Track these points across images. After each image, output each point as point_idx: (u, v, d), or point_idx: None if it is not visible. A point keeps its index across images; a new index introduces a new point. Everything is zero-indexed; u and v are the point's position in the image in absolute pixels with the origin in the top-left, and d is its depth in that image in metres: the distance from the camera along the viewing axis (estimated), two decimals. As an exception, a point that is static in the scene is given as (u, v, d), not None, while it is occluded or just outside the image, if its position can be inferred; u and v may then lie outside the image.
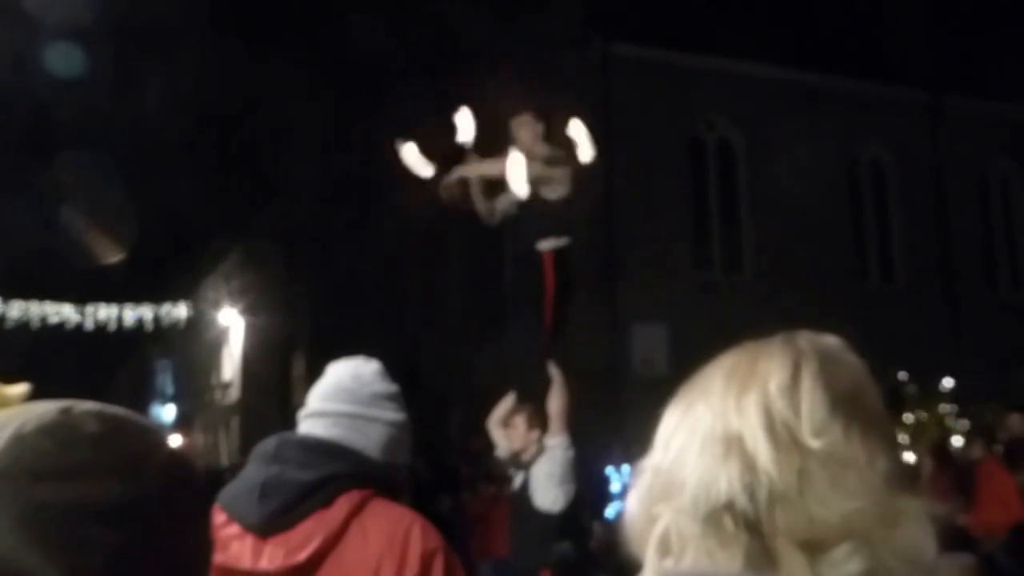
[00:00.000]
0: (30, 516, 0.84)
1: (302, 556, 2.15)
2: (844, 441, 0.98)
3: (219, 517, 2.27)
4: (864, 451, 0.98)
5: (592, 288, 17.11)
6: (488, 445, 6.52)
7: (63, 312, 33.64)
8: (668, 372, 18.55)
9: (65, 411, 0.93)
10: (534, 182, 6.32)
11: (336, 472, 2.23)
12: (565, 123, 6.63)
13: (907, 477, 1.02)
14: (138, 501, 0.89)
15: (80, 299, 34.44)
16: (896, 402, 14.67)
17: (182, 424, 43.44)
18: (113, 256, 28.94)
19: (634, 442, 11.79)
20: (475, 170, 6.65)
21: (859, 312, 19.43)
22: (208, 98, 25.52)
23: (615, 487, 13.65)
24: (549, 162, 6.48)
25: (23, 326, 28.46)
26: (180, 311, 37.10)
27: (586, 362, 16.00)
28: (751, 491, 0.97)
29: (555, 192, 6.41)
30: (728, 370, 1.08)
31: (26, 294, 28.29)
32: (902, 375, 14.59)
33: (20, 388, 2.02)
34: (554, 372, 6.13)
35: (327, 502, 2.19)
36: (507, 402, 6.28)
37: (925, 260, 21.35)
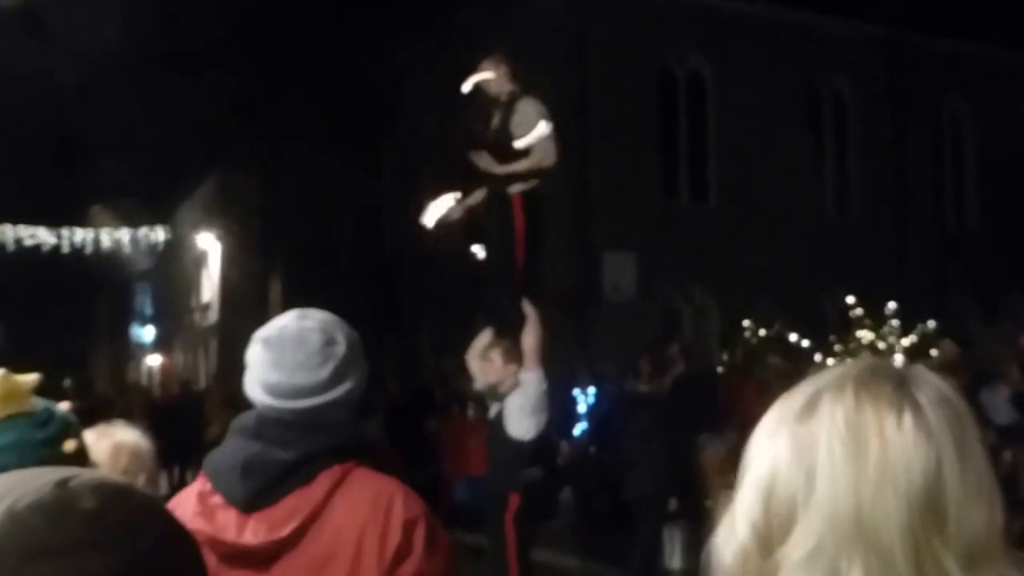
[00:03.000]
0: None
1: (285, 531, 2.18)
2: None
3: (206, 484, 2.30)
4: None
5: (563, 216, 17.62)
6: (460, 367, 6.86)
7: (38, 235, 33.69)
8: (636, 297, 19.30)
9: (61, 484, 0.91)
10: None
11: (316, 449, 2.23)
12: (533, 65, 6.80)
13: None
14: (132, 574, 0.88)
15: (55, 222, 34.48)
16: (844, 322, 15.56)
17: (161, 345, 43.57)
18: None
19: (602, 363, 12.61)
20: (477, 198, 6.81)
21: (815, 240, 20.27)
22: (191, 22, 25.46)
23: (581, 408, 14.17)
24: (515, 100, 6.57)
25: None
26: (158, 234, 37.30)
27: (557, 287, 16.67)
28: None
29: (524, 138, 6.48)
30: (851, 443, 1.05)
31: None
32: (850, 298, 15.37)
33: (31, 377, 2.51)
34: (528, 309, 6.35)
35: (308, 480, 2.21)
36: (484, 337, 6.53)
37: (879, 192, 22.02)
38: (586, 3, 19.34)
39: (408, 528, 2.20)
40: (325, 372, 2.28)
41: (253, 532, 2.20)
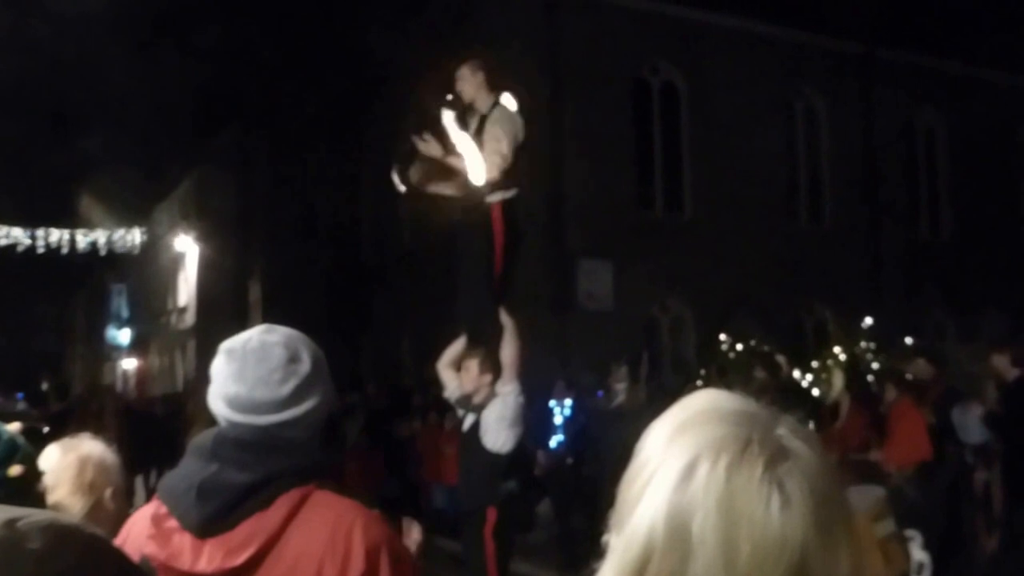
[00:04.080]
0: None
1: (240, 559, 2.10)
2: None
3: (161, 508, 2.22)
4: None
5: (540, 224, 17.70)
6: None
7: (13, 234, 33.53)
8: (612, 305, 19.39)
9: (9, 525, 0.90)
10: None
11: (275, 472, 2.15)
12: (508, 71, 6.65)
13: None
14: None
15: (31, 222, 34.33)
16: (820, 338, 15.62)
17: (137, 348, 43.38)
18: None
19: (578, 372, 12.61)
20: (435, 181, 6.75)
21: (789, 252, 20.44)
22: (171, 21, 25.46)
23: (558, 418, 14.12)
24: (490, 110, 6.49)
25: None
26: (134, 236, 37.17)
27: (533, 295, 16.73)
28: None
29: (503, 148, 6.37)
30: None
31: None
32: (826, 313, 15.41)
33: (13, 426, 2.55)
34: (506, 320, 6.27)
35: (266, 504, 2.13)
36: (457, 345, 6.50)
37: (852, 203, 22.25)
38: (560, 14, 19.42)
39: (371, 555, 2.13)
40: (286, 389, 2.22)
41: (208, 559, 2.13)
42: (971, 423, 9.08)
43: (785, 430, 1.14)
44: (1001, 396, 8.46)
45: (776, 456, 1.10)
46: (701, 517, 1.07)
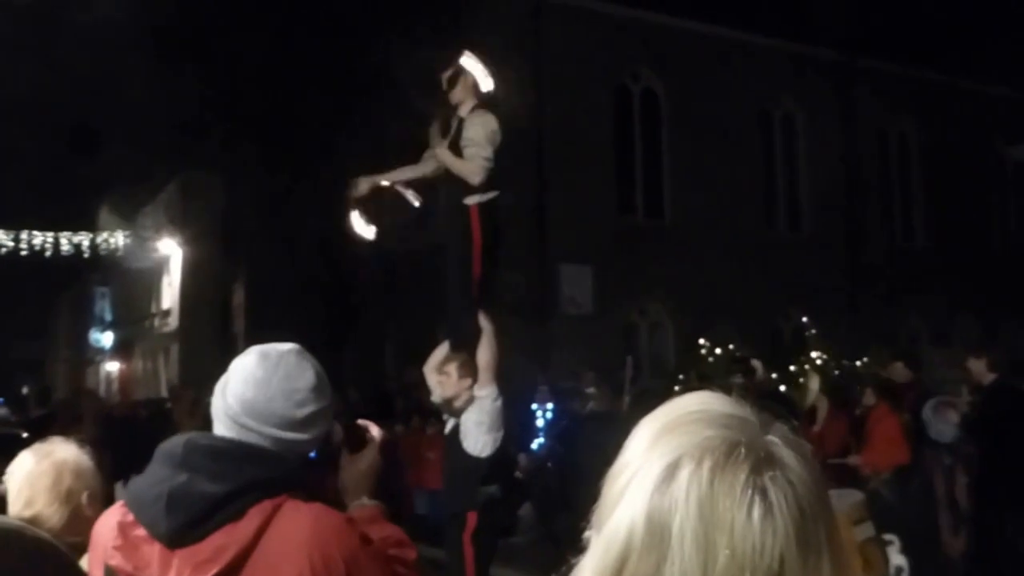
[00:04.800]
0: None
1: (211, 572, 2.04)
2: None
3: (127, 515, 2.15)
4: None
5: (522, 229, 17.79)
6: (421, 378, 6.68)
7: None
8: (593, 310, 19.51)
9: None
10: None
11: (247, 482, 2.09)
12: (496, 74, 6.63)
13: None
14: None
15: (14, 225, 34.19)
16: (798, 343, 15.75)
17: (121, 351, 43.20)
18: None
19: (559, 375, 12.71)
20: (396, 176, 6.84)
21: (768, 258, 20.60)
22: (155, 23, 25.42)
23: (540, 421, 14.20)
24: (472, 112, 6.50)
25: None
26: (117, 239, 37.04)
27: (515, 299, 16.81)
28: None
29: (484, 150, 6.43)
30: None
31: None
32: (804, 319, 15.58)
33: None
34: (484, 323, 6.25)
35: (238, 515, 2.07)
36: (441, 350, 6.49)
37: (829, 210, 22.45)
38: (543, 21, 19.53)
39: (350, 564, 2.09)
40: (303, 412, 2.20)
41: (177, 571, 2.06)
42: (946, 427, 9.15)
43: (776, 437, 1.12)
44: (977, 400, 8.52)
45: (762, 463, 1.08)
46: (680, 519, 1.05)
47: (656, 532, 1.06)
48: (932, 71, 22.76)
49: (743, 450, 1.08)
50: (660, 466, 1.09)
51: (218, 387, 2.24)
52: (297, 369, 2.23)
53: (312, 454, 2.33)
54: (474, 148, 6.38)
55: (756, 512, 1.04)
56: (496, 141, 6.45)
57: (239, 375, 2.22)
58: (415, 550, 2.41)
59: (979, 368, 8.40)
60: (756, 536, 1.04)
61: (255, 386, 2.18)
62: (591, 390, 10.95)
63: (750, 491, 1.05)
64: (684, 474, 1.07)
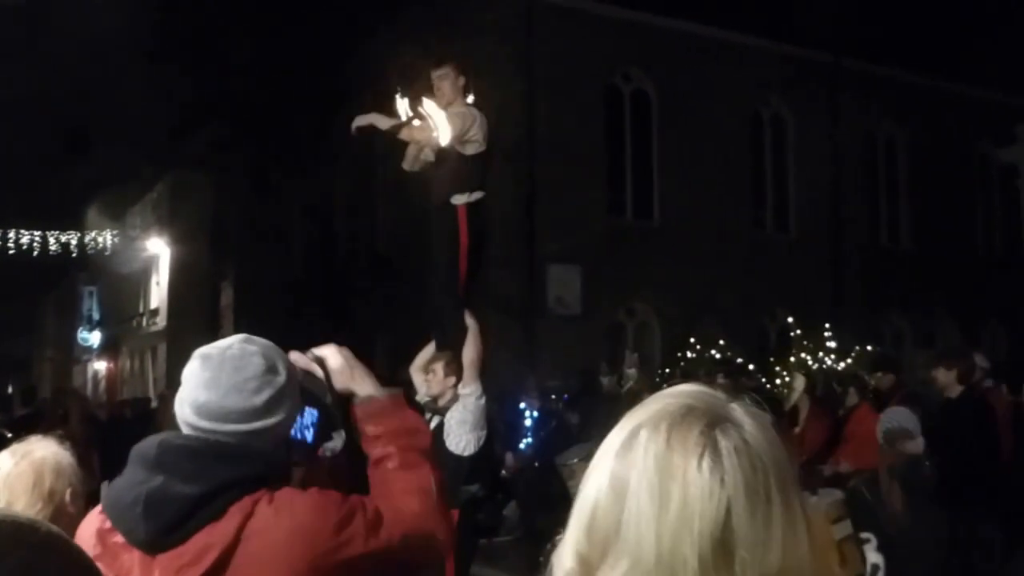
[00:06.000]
0: None
1: (195, 574, 2.02)
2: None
3: (105, 522, 2.12)
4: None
5: (511, 228, 17.79)
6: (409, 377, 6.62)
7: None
8: (581, 310, 19.55)
9: None
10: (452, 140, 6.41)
11: (224, 481, 2.06)
12: (485, 75, 6.77)
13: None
14: None
15: (1, 223, 34.07)
16: (784, 343, 15.79)
17: (108, 350, 43.11)
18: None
19: (547, 375, 12.77)
20: (386, 123, 6.56)
21: (755, 259, 20.67)
22: (144, 25, 25.39)
23: (528, 421, 14.19)
24: (468, 117, 6.46)
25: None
26: (105, 238, 36.96)
27: (504, 299, 16.83)
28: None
29: (472, 148, 6.44)
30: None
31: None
32: (789, 319, 15.63)
33: None
34: (470, 322, 6.23)
35: (218, 515, 2.04)
36: (428, 349, 6.52)
37: (816, 211, 22.53)
38: (535, 21, 19.53)
39: (333, 549, 2.07)
40: (260, 399, 2.15)
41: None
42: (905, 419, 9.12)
43: (737, 407, 1.18)
44: (942, 411, 8.43)
45: (716, 420, 1.14)
46: (637, 473, 1.12)
47: (618, 487, 1.13)
48: (920, 74, 22.86)
49: (699, 411, 1.16)
50: (623, 434, 1.17)
51: (175, 402, 2.21)
52: (242, 360, 2.18)
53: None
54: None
55: (706, 463, 1.11)
56: (486, 140, 6.46)
57: (188, 382, 2.18)
58: (429, 436, 2.56)
59: (948, 380, 8.23)
60: (705, 484, 1.10)
61: (205, 388, 2.15)
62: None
63: (702, 444, 1.12)
64: (643, 435, 1.15)
